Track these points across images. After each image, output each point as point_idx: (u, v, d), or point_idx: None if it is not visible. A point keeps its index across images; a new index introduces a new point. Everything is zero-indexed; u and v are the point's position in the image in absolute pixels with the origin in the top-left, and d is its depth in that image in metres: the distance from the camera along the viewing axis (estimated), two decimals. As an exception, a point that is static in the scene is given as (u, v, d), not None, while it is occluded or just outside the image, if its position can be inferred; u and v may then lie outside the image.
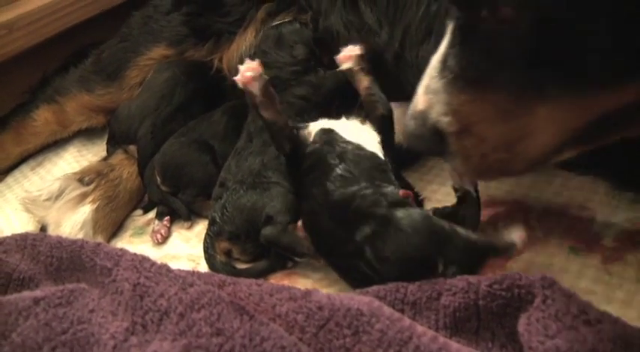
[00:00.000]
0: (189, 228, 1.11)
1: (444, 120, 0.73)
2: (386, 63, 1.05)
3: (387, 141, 0.94)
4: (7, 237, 1.00)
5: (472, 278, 0.75)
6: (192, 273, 0.90)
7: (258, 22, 1.20)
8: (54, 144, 1.43)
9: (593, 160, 0.84)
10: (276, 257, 0.96)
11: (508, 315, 0.72)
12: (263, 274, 0.96)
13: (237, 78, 0.90)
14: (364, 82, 0.96)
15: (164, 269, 0.86)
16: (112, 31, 1.42)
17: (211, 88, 1.24)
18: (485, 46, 0.68)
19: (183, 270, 0.90)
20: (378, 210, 0.80)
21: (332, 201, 0.85)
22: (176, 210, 1.11)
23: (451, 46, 0.72)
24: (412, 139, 0.77)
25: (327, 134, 0.93)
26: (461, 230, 0.79)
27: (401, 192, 0.84)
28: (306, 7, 1.18)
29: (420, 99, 0.75)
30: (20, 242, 1.00)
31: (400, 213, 0.80)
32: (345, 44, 0.97)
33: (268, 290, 0.82)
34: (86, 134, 1.43)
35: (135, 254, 0.93)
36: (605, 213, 0.91)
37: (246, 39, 1.20)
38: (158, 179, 1.10)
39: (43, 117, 1.33)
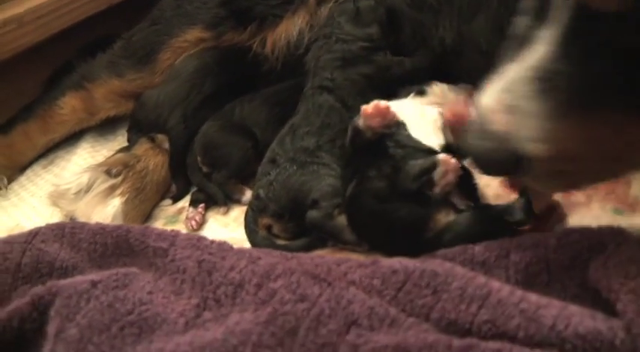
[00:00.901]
0: (226, 213, 1.11)
1: (533, 146, 0.62)
2: (444, 42, 1.07)
3: None
4: (42, 228, 0.97)
5: (540, 234, 0.78)
6: (253, 249, 0.90)
7: (312, 6, 1.17)
8: (65, 142, 1.40)
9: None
10: (317, 236, 0.97)
11: (577, 267, 0.75)
12: (303, 251, 0.96)
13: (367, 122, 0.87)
14: None
15: (226, 245, 0.86)
16: (122, 25, 1.41)
17: (246, 76, 1.23)
18: (615, 56, 0.57)
19: (242, 247, 0.91)
20: None
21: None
22: (212, 196, 1.10)
23: (556, 57, 0.60)
24: (481, 161, 0.68)
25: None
26: None
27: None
28: None
29: (497, 118, 0.63)
30: (57, 231, 0.98)
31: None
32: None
33: (334, 261, 0.82)
34: (98, 129, 1.41)
35: (189, 233, 0.92)
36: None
37: (296, 24, 1.18)
38: (199, 159, 1.09)
39: (70, 105, 1.29)
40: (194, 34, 1.23)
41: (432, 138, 0.93)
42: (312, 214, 0.91)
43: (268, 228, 0.98)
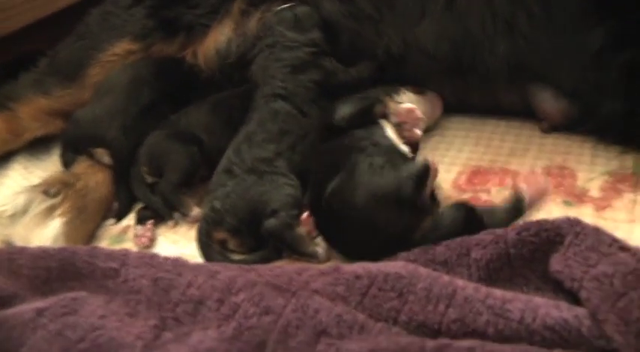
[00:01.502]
0: (174, 227, 1.06)
1: None
2: (389, 50, 1.07)
3: None
4: (-25, 256, 0.91)
5: (499, 230, 0.78)
6: (210, 263, 0.86)
7: (237, 14, 1.17)
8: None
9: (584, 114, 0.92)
10: (274, 248, 0.94)
11: (537, 259, 0.76)
12: (260, 263, 0.93)
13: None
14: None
15: (181, 261, 0.83)
16: (44, 42, 1.34)
17: (184, 85, 1.20)
18: None
19: (198, 262, 0.87)
20: None
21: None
22: (157, 210, 1.06)
23: None
24: None
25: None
26: None
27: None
28: None
29: None
30: (-7, 259, 0.91)
31: None
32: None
33: (294, 270, 0.80)
34: (30, 149, 1.33)
35: (140, 252, 0.88)
36: (584, 169, 0.99)
37: (224, 32, 1.17)
38: (143, 169, 1.05)
39: (-8, 128, 1.22)
40: (122, 46, 1.19)
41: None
42: (271, 223, 0.88)
43: (222, 243, 0.94)
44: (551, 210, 0.92)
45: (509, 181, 1.00)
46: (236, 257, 0.94)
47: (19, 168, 1.30)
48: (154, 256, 0.83)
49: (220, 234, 0.94)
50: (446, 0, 0.98)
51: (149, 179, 1.07)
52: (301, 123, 1.00)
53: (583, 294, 0.67)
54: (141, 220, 1.06)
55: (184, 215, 1.02)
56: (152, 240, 1.04)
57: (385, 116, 1.00)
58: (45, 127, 1.25)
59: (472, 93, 1.08)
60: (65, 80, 1.21)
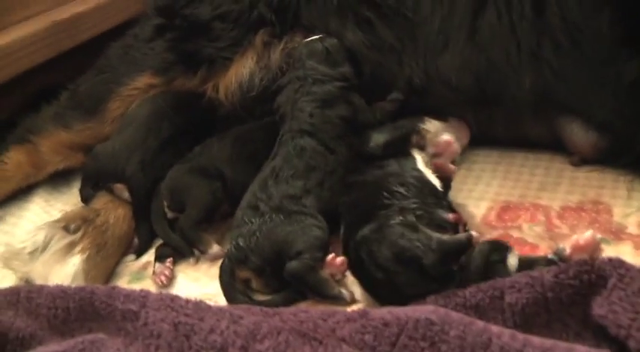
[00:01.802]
0: (195, 264, 1.04)
1: None
2: (412, 81, 1.06)
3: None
4: (-7, 294, 0.89)
5: (534, 273, 0.75)
6: (233, 307, 0.83)
7: (259, 48, 1.16)
8: (15, 198, 1.31)
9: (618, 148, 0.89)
10: (298, 289, 0.91)
11: (577, 303, 0.72)
12: (283, 305, 0.90)
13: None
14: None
15: (203, 304, 0.79)
16: (68, 74, 1.35)
17: (203, 119, 1.19)
18: None
19: (221, 305, 0.84)
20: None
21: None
22: (178, 248, 1.03)
23: None
24: None
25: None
26: None
27: (451, 215, 0.84)
28: (311, 27, 1.15)
29: None
30: (11, 297, 0.89)
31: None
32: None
33: (319, 315, 0.77)
34: (51, 182, 1.33)
35: (161, 293, 0.85)
36: (620, 205, 0.95)
37: (246, 65, 1.15)
38: (165, 203, 1.03)
39: (15, 160, 1.21)
40: (143, 80, 1.18)
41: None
42: (294, 265, 0.85)
43: (246, 282, 0.92)
44: (587, 249, 0.88)
45: (540, 217, 0.97)
46: (260, 297, 0.91)
47: (40, 202, 1.29)
48: (175, 298, 0.81)
49: (244, 273, 0.91)
50: (468, 30, 0.96)
51: (170, 214, 1.05)
52: (328, 159, 0.98)
53: (632, 343, 0.63)
54: (160, 258, 1.03)
55: (202, 252, 1.00)
56: (170, 279, 1.01)
57: (421, 146, 0.97)
58: (66, 161, 1.24)
59: (497, 126, 1.06)
60: (86, 114, 1.20)
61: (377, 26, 1.07)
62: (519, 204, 1.00)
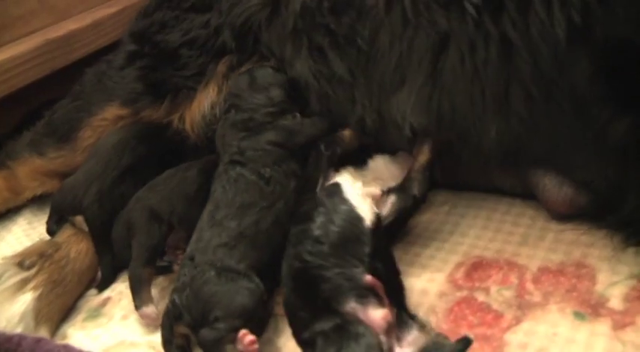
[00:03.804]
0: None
1: None
2: (363, 121, 0.97)
3: (397, 220, 0.88)
4: None
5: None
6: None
7: (220, 77, 1.11)
8: (2, 217, 1.32)
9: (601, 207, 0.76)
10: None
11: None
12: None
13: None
14: (424, 156, 0.89)
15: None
16: (65, 91, 1.34)
17: (168, 150, 1.14)
18: None
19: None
20: (338, 306, 0.71)
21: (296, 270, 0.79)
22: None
23: None
24: None
25: (334, 187, 0.87)
26: None
27: (369, 278, 0.74)
28: (269, 55, 1.09)
29: None
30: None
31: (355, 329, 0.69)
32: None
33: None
34: (37, 204, 1.32)
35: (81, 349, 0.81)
36: (607, 270, 0.82)
37: (208, 95, 1.10)
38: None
39: (-7, 185, 1.22)
40: (112, 111, 1.15)
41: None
42: (203, 333, 0.79)
43: (185, 337, 0.86)
44: (557, 323, 0.77)
45: (513, 279, 0.85)
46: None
47: (23, 223, 1.29)
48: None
49: (181, 328, 0.86)
50: (428, 70, 0.85)
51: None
52: (264, 192, 0.91)
53: None
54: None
55: (136, 307, 0.92)
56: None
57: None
58: (43, 187, 1.23)
59: (463, 173, 0.95)
60: (59, 141, 1.18)
61: (329, 55, 0.99)
62: (493, 261, 0.89)
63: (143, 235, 0.95)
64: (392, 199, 0.87)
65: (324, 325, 0.70)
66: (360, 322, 0.69)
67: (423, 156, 0.88)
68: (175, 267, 0.99)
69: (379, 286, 0.73)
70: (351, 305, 0.71)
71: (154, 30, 1.17)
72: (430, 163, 0.89)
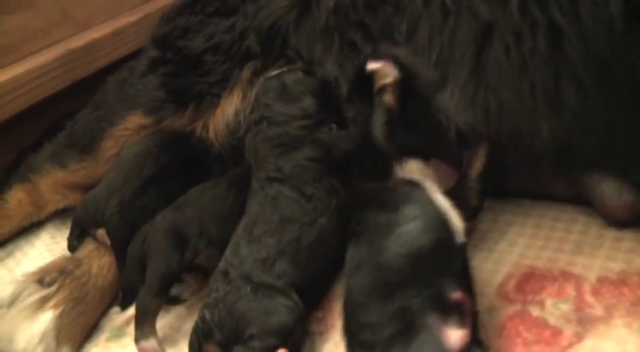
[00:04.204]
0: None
1: None
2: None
3: None
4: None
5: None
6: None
7: (244, 83, 1.06)
8: (26, 231, 1.28)
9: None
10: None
11: None
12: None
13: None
14: (480, 161, 0.82)
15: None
16: (87, 102, 1.30)
17: (191, 159, 1.09)
18: None
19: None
20: (416, 317, 0.65)
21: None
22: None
23: None
24: None
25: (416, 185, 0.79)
26: None
27: (459, 295, 0.67)
28: (296, 58, 1.04)
29: None
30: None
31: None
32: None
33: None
34: (60, 217, 1.28)
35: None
36: (676, 279, 0.75)
37: (233, 102, 1.05)
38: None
39: (16, 199, 1.19)
40: (134, 120, 1.11)
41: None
42: (238, 351, 0.74)
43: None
44: (625, 340, 0.70)
45: (570, 291, 0.78)
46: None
47: (46, 238, 1.25)
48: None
49: (211, 348, 0.80)
50: (472, 65, 0.79)
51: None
52: (305, 209, 0.86)
53: None
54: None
55: (135, 340, 0.85)
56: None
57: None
58: (65, 200, 1.19)
59: (513, 180, 0.88)
60: (81, 153, 1.15)
61: (363, 50, 0.93)
62: (546, 272, 0.82)
63: (161, 261, 0.89)
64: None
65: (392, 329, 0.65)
66: (431, 334, 0.63)
67: (479, 161, 0.81)
68: (186, 295, 0.95)
69: (468, 304, 0.67)
70: (432, 318, 0.65)
71: (176, 35, 1.12)
72: (486, 169, 0.82)
